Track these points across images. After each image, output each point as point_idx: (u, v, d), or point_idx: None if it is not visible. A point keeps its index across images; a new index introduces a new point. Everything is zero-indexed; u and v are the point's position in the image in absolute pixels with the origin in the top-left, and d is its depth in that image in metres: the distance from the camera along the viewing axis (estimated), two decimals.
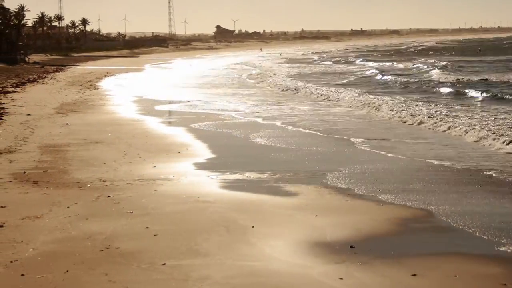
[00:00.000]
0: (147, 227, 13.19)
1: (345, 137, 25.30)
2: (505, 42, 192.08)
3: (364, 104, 37.56)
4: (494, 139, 23.01)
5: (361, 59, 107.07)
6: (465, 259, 11.47)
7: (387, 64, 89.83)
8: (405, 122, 29.77)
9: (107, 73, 78.48)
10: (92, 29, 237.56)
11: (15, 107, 36.97)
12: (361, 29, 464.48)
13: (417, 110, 32.90)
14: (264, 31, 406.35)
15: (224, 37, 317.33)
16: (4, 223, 13.42)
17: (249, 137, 25.61)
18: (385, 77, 61.27)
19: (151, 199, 15.51)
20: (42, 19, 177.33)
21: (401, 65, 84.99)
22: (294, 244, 12.29)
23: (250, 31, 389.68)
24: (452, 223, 13.44)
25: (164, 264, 11.10)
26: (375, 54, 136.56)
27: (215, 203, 15.19)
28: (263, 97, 45.18)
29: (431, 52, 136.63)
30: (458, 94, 42.86)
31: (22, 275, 10.58)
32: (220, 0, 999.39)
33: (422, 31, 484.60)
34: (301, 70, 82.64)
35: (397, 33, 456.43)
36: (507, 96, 38.91)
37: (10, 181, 17.54)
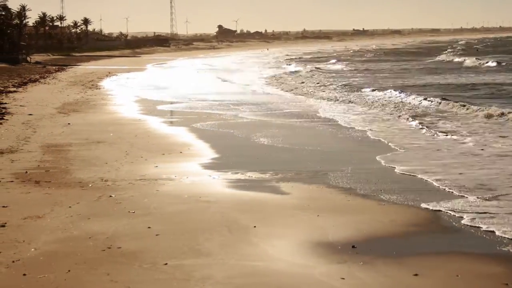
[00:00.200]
0: (149, 227, 13.19)
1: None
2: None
3: None
4: None
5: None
6: (467, 258, 11.46)
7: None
8: None
9: (109, 73, 78.51)
10: (94, 29, 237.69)
11: (17, 107, 37.00)
12: (363, 29, 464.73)
13: None
14: (266, 31, 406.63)
15: (226, 37, 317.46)
16: (6, 223, 13.42)
17: (251, 137, 25.59)
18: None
19: (153, 199, 15.51)
20: (44, 19, 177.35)
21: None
22: (296, 244, 12.28)
23: (252, 31, 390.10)
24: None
25: (166, 264, 11.10)
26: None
27: (217, 203, 15.19)
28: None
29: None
30: None
31: (24, 275, 10.58)
32: (222, 0, 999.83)
33: (424, 31, 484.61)
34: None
35: (398, 33, 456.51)
36: None
37: (12, 181, 17.55)
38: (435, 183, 16.88)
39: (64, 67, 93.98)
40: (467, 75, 61.83)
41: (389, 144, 23.22)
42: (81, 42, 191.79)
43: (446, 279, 10.51)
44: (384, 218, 13.91)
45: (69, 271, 10.75)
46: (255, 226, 13.29)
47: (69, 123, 30.01)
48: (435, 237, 12.69)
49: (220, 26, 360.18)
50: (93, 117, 32.91)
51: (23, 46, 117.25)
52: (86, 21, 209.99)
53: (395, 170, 18.68)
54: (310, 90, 49.35)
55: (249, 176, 18.19)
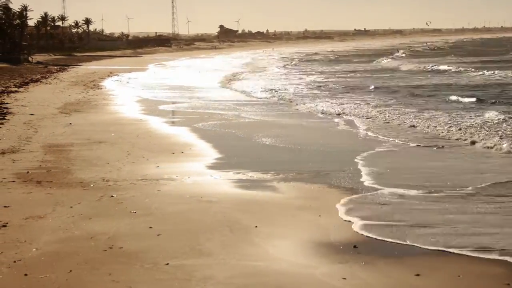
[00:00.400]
0: (150, 227, 13.19)
1: None
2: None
3: None
4: None
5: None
6: (468, 259, 11.45)
7: None
8: None
9: (111, 73, 78.52)
10: (96, 29, 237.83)
11: (19, 107, 37.02)
12: (364, 29, 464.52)
13: None
14: (267, 31, 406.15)
15: (228, 37, 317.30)
16: (7, 223, 13.43)
17: (253, 137, 25.59)
18: None
19: (154, 199, 15.51)
20: (45, 19, 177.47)
21: None
22: (298, 244, 12.29)
23: (254, 31, 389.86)
24: None
25: (168, 264, 11.10)
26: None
27: (218, 203, 15.19)
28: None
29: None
30: None
31: (26, 275, 10.58)
32: (224, 0, 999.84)
33: (426, 31, 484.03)
34: None
35: (400, 33, 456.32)
36: None
37: (14, 181, 17.56)
38: None
39: (65, 67, 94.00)
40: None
41: None
42: (82, 42, 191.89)
43: (447, 279, 10.51)
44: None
45: (70, 271, 10.75)
46: (256, 226, 13.29)
47: (70, 123, 30.02)
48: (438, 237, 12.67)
49: (221, 26, 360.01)
50: (94, 117, 32.91)
51: (24, 46, 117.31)
52: (87, 21, 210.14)
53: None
54: None
55: (250, 176, 18.19)
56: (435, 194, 15.73)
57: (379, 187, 16.56)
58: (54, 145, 23.57)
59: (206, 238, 12.51)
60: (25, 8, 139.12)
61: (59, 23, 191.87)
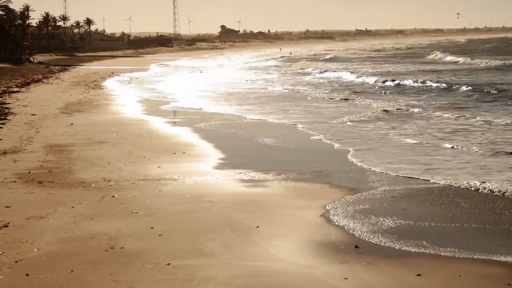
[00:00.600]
0: (151, 227, 13.20)
1: None
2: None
3: None
4: None
5: None
6: (470, 259, 11.44)
7: None
8: None
9: (112, 73, 78.55)
10: (97, 29, 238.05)
11: (20, 107, 37.03)
12: (366, 29, 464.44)
13: None
14: (269, 31, 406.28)
15: (229, 37, 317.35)
16: (8, 223, 13.43)
17: (254, 137, 25.59)
18: None
19: (156, 199, 15.52)
20: (47, 19, 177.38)
21: None
22: (299, 244, 12.29)
23: (255, 31, 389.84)
24: None
25: (169, 264, 11.10)
26: None
27: (220, 203, 15.19)
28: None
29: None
30: None
31: (27, 275, 10.59)
32: (225, 0, 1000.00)
33: (427, 31, 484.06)
34: None
35: (401, 33, 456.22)
36: None
37: (15, 181, 17.56)
38: None
39: (67, 67, 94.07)
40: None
41: None
42: (84, 42, 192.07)
43: (449, 279, 10.51)
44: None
45: (72, 271, 10.75)
46: (258, 226, 13.29)
47: (72, 123, 30.03)
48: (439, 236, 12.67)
49: (223, 26, 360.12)
50: (96, 117, 32.92)
51: (26, 46, 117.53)
52: (89, 21, 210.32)
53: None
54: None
55: (252, 176, 18.19)
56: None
57: None
58: (56, 145, 23.58)
59: (207, 238, 12.51)
60: (26, 8, 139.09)
61: (61, 23, 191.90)
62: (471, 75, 62.04)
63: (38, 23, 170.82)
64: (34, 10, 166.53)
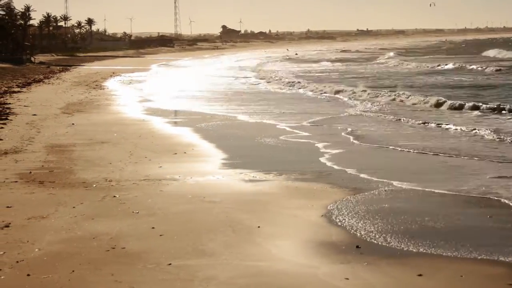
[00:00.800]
0: (153, 227, 13.20)
1: None
2: None
3: None
4: None
5: None
6: (471, 259, 11.44)
7: None
8: None
9: (113, 73, 78.57)
10: (98, 29, 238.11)
11: (21, 107, 37.04)
12: (367, 29, 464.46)
13: None
14: (270, 31, 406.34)
15: (230, 37, 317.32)
16: (10, 223, 13.44)
17: (255, 138, 25.59)
18: None
19: (157, 199, 15.52)
20: (48, 19, 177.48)
21: None
22: (300, 244, 12.29)
23: (256, 31, 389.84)
24: None
25: (170, 264, 11.10)
26: None
27: (221, 203, 15.19)
28: None
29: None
30: None
31: (28, 275, 10.59)
32: (226, 0, 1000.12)
33: (428, 31, 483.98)
34: None
35: (402, 33, 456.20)
36: None
37: (16, 181, 17.56)
38: None
39: (68, 67, 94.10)
40: None
41: None
42: (85, 42, 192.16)
43: (450, 279, 10.50)
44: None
45: (73, 271, 10.75)
46: (259, 226, 13.29)
47: (73, 124, 30.04)
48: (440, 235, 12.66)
49: (224, 27, 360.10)
50: (97, 117, 32.93)
51: (27, 46, 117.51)
52: (90, 21, 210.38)
53: None
54: None
55: (253, 176, 18.19)
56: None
57: None
58: (57, 145, 23.58)
59: (208, 238, 12.51)
60: (28, 9, 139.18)
61: (62, 23, 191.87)
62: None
63: (39, 23, 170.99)
64: (35, 10, 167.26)
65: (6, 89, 50.17)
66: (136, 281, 10.36)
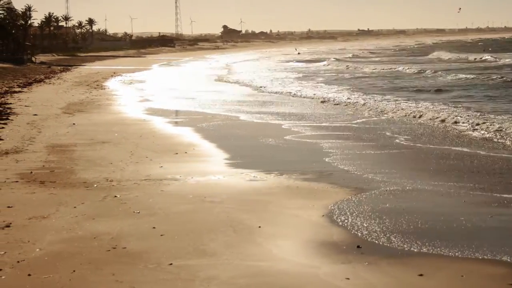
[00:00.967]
0: (154, 227, 13.19)
1: None
2: None
3: None
4: None
5: None
6: (472, 259, 11.43)
7: None
8: None
9: (114, 73, 78.60)
10: (99, 29, 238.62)
11: (22, 107, 37.04)
12: (368, 29, 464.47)
13: None
14: (271, 31, 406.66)
15: (231, 37, 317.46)
16: (11, 223, 13.44)
17: (257, 137, 25.59)
18: None
19: (158, 199, 15.51)
20: (49, 19, 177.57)
21: None
22: (301, 244, 12.28)
23: (257, 31, 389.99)
24: None
25: (171, 264, 11.10)
26: None
27: (222, 203, 15.19)
28: None
29: None
30: None
31: (29, 275, 10.59)
32: (227, 0, 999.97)
33: (429, 31, 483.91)
34: None
35: (403, 33, 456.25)
36: None
37: (17, 181, 17.56)
38: None
39: (69, 67, 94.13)
40: None
41: None
42: (86, 42, 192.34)
43: (451, 279, 10.50)
44: None
45: (74, 271, 10.75)
46: (260, 226, 13.29)
47: (74, 123, 30.04)
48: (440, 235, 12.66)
49: (225, 26, 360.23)
50: (98, 117, 32.93)
51: (28, 46, 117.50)
52: (91, 22, 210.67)
53: None
54: None
55: (254, 176, 18.18)
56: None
57: None
58: (58, 145, 23.59)
59: (209, 238, 12.51)
60: (28, 9, 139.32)
61: (63, 23, 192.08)
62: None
63: (40, 23, 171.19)
64: (36, 11, 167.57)
65: (7, 89, 50.19)
66: (137, 281, 10.36)
